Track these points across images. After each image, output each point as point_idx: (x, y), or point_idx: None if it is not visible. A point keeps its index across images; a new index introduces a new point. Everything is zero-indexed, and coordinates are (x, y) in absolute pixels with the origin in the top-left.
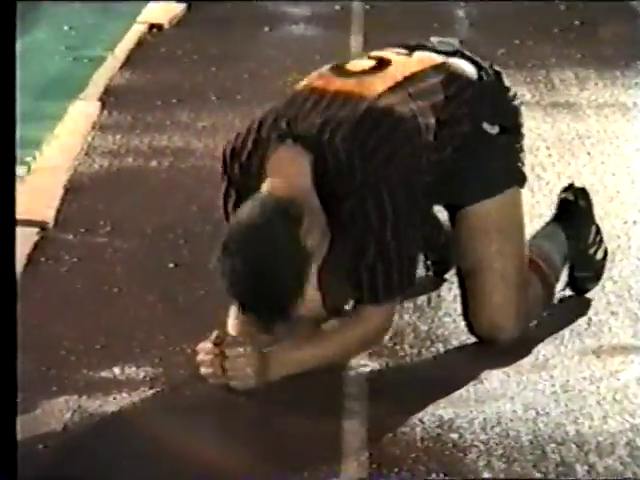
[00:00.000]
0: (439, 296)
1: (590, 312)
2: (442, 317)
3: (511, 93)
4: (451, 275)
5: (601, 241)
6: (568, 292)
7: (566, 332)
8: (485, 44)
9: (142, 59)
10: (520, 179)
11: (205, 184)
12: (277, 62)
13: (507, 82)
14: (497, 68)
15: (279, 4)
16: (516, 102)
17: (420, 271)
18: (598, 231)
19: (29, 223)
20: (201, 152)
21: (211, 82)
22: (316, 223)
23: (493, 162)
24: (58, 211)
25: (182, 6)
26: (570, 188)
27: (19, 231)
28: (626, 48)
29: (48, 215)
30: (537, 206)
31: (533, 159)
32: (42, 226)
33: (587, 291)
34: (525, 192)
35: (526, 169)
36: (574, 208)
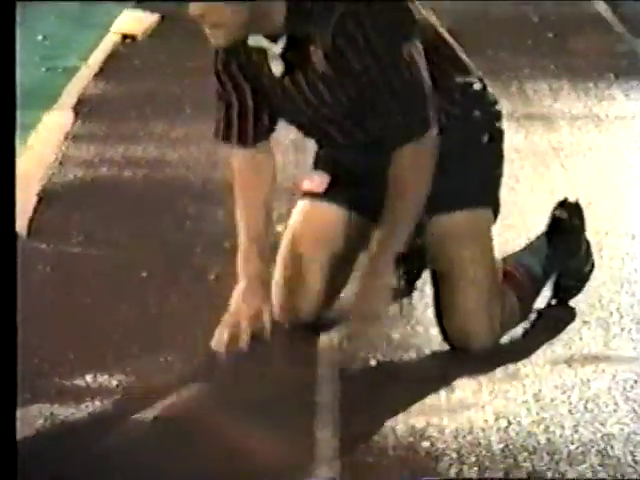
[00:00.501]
0: (411, 304)
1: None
2: (414, 326)
3: (494, 98)
4: (422, 284)
5: (590, 255)
6: (541, 300)
7: (537, 341)
8: None
9: (116, 69)
10: (495, 205)
11: (180, 194)
12: None
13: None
14: (480, 73)
15: None
16: (499, 108)
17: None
18: (588, 246)
19: None
20: (175, 163)
21: (185, 93)
22: None
23: (478, 172)
24: (31, 221)
25: (156, 17)
26: (564, 204)
27: None
28: (599, 60)
29: (21, 224)
30: (510, 217)
31: (506, 170)
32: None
33: (569, 299)
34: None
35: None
36: (567, 226)
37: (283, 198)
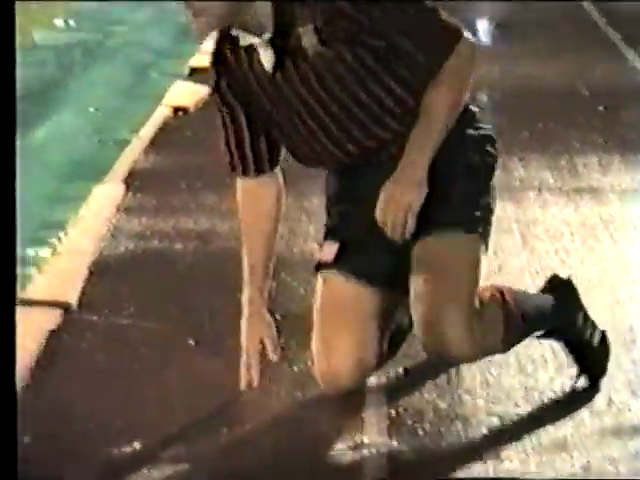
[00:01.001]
0: (458, 374)
1: (610, 392)
2: (462, 395)
3: (487, 125)
4: None
5: (593, 326)
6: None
7: (585, 412)
8: (509, 128)
9: (167, 142)
10: (485, 235)
11: (230, 266)
12: None
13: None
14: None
15: None
16: (492, 133)
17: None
18: (586, 316)
19: (52, 304)
20: (226, 234)
21: None
22: None
23: (468, 197)
24: (82, 293)
25: (207, 89)
26: (554, 279)
27: (42, 312)
28: None
29: (72, 297)
30: None
31: (556, 244)
32: (65, 307)
33: (598, 380)
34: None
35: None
36: (560, 292)
37: None
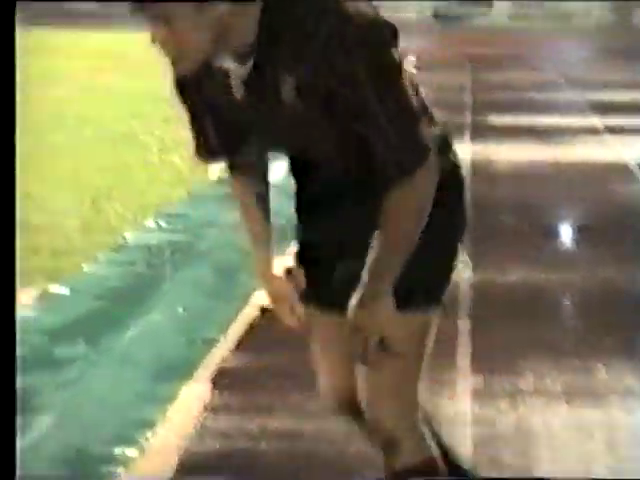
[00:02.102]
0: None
1: None
2: None
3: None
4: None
5: None
6: None
7: None
8: (592, 332)
9: (254, 341)
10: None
11: (317, 468)
12: None
13: None
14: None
15: None
16: (461, 163)
17: None
18: None
19: None
20: (313, 435)
21: None
22: None
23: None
24: None
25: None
26: None
27: None
28: None
29: None
30: None
31: None
32: None
33: None
34: None
35: None
36: None
37: None
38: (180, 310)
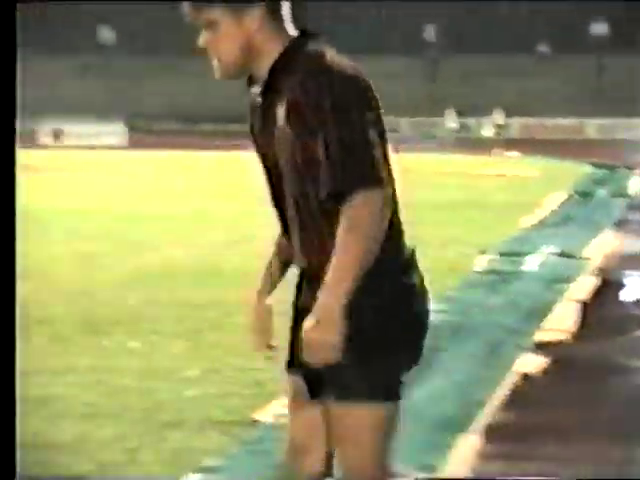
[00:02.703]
0: None
1: None
2: None
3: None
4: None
5: None
6: None
7: None
8: None
9: (516, 401)
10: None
11: None
12: None
13: None
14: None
15: None
16: (416, 259)
17: None
18: None
19: None
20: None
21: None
22: None
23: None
24: None
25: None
26: None
27: None
28: None
29: None
30: None
31: None
32: None
33: None
34: None
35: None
36: None
37: None
38: (456, 377)
